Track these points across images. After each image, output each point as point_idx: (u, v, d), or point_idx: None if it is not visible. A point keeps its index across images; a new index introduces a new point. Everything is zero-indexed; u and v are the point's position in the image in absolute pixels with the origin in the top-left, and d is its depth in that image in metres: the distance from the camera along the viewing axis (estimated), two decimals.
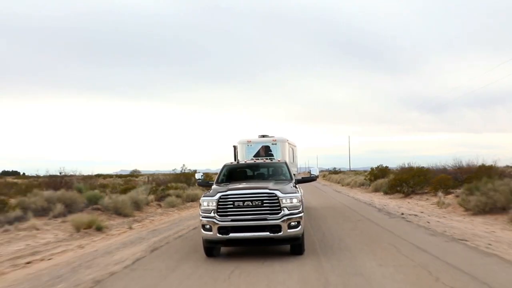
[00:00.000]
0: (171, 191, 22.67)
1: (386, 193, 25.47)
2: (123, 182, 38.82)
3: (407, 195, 22.53)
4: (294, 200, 7.60)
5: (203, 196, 8.00)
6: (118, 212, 15.76)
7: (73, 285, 6.29)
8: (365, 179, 34.21)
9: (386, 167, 32.65)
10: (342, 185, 44.36)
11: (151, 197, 20.57)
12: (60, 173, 28.93)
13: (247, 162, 10.74)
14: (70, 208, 14.72)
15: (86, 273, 6.97)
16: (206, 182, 10.09)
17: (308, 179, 9.95)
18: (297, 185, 9.10)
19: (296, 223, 7.52)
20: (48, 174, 23.47)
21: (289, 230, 7.42)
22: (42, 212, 14.06)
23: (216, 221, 7.50)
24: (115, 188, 23.92)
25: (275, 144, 13.90)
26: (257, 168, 10.39)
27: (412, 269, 6.48)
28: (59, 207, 14.01)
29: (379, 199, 22.37)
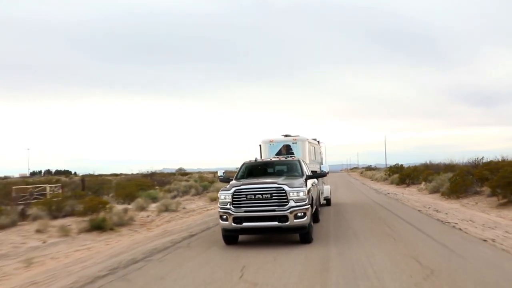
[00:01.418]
0: None
1: (397, 184, 35.01)
2: (198, 177, 50.62)
3: (408, 185, 32.10)
4: (301, 194, 8.42)
5: (221, 191, 8.98)
6: None
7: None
8: (385, 174, 43.68)
9: (401, 165, 41.96)
10: (372, 180, 53.65)
11: None
12: (148, 171, 41.03)
13: (264, 160, 11.83)
14: (197, 191, 25.92)
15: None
16: (227, 178, 10.71)
17: (318, 175, 11.26)
18: (317, 180, 11.39)
19: (302, 214, 8.34)
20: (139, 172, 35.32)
21: (295, 220, 8.25)
22: (183, 193, 25.30)
23: (231, 212, 8.46)
24: (205, 180, 35.43)
25: (296, 143, 14.54)
26: (272, 165, 11.27)
27: (368, 205, 16.70)
28: (193, 191, 25.21)
29: (387, 188, 32.05)
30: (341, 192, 27.33)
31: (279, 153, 14.20)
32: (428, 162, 40.68)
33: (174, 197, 23.05)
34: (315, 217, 10.88)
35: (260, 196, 8.39)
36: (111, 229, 12.09)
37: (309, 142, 14.98)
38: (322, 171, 11.39)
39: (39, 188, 22.99)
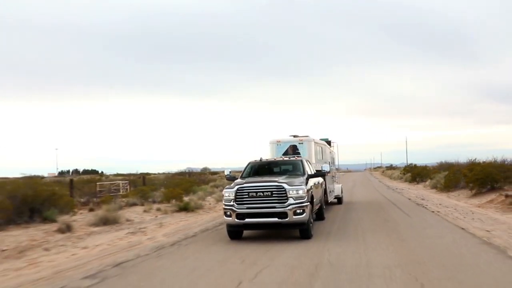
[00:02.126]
0: None
1: (409, 182, 39.66)
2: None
3: (418, 182, 36.77)
4: (300, 192, 8.97)
5: (225, 188, 9.58)
6: None
7: None
8: (400, 173, 48.27)
9: (415, 165, 46.47)
10: (390, 178, 58.09)
11: None
12: (185, 170, 46.93)
13: (268, 159, 12.06)
14: None
15: None
16: (233, 177, 11.06)
17: (319, 174, 11.55)
18: (322, 179, 12.63)
19: (301, 210, 8.88)
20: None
21: (294, 217, 8.81)
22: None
23: (235, 209, 9.07)
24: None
25: (302, 143, 14.76)
26: (276, 165, 11.69)
27: (374, 194, 21.83)
28: None
29: (399, 185, 36.79)
30: (357, 189, 32.34)
31: (285, 153, 14.55)
32: (443, 161, 45.06)
33: (221, 191, 28.64)
34: (320, 215, 12.18)
35: (261, 194, 8.97)
36: (192, 210, 17.73)
37: (316, 143, 15.31)
38: (323, 170, 11.89)
39: (115, 184, 29.15)
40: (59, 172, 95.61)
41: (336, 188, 18.21)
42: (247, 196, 9.06)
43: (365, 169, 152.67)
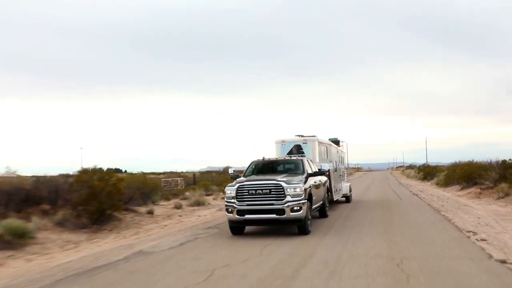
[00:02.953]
0: None
1: (422, 180, 45.09)
2: None
3: (428, 180, 42.21)
4: (297, 190, 9.49)
5: (227, 186, 10.18)
6: None
7: None
8: (415, 173, 53.63)
9: (428, 164, 51.72)
10: (407, 177, 63.27)
11: None
12: (220, 169, 53.07)
13: (270, 159, 12.41)
14: None
15: None
16: (236, 176, 11.45)
17: (318, 173, 11.91)
18: (326, 178, 13.40)
19: (298, 207, 9.39)
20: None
21: (291, 213, 9.34)
22: None
23: (235, 205, 9.64)
24: None
25: (306, 143, 14.94)
26: (277, 164, 12.18)
27: (385, 188, 27.78)
28: None
29: (411, 183, 42.27)
30: (373, 186, 38.04)
31: (290, 153, 14.75)
32: (457, 161, 50.26)
33: None
34: (323, 212, 12.84)
35: (261, 192, 9.44)
36: None
37: (320, 143, 15.54)
38: (322, 169, 12.19)
39: (174, 180, 36.00)
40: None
41: (344, 187, 18.90)
42: (247, 193, 9.58)
43: (387, 169, 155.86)
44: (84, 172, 12.87)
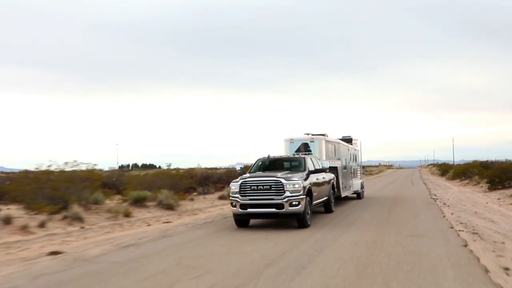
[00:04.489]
0: None
1: (440, 176, 54.79)
2: None
3: (444, 175, 51.93)
4: (296, 186, 10.12)
5: (232, 182, 10.83)
6: None
7: None
8: (437, 170, 63.18)
9: (447, 163, 61.12)
10: (431, 174, 72.47)
11: None
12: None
13: (275, 156, 13.00)
14: None
15: None
16: (243, 172, 12.08)
17: (320, 170, 12.41)
18: (331, 174, 14.05)
19: (297, 202, 10.05)
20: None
21: (290, 208, 9.99)
22: None
23: (239, 200, 10.32)
24: None
25: (313, 141, 15.30)
26: (281, 161, 12.80)
27: (406, 181, 38.26)
28: None
29: (431, 177, 51.74)
30: (396, 181, 47.82)
31: (298, 151, 15.12)
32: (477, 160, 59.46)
33: None
34: (328, 208, 13.48)
35: (262, 187, 10.19)
36: None
37: (327, 141, 15.88)
38: (323, 167, 12.76)
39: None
40: (119, 166, 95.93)
41: (355, 184, 19.53)
42: (249, 189, 10.24)
43: (418, 166, 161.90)
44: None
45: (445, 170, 53.09)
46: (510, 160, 33.33)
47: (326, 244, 8.07)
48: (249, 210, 10.27)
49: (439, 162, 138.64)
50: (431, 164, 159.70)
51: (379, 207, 15.62)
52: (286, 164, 12.58)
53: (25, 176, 13.60)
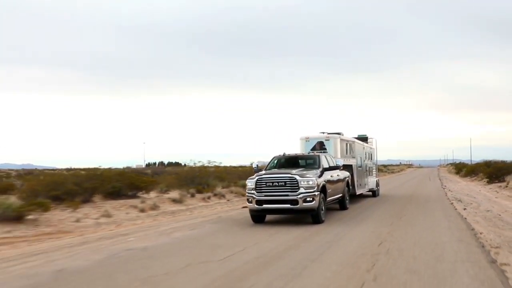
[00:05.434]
0: None
1: (456, 174, 61.25)
2: None
3: (459, 173, 58.46)
4: (310, 182, 10.42)
5: (248, 179, 11.16)
6: None
7: None
8: (453, 169, 69.56)
9: (463, 163, 67.41)
10: (449, 172, 78.56)
11: None
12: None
13: (290, 154, 13.34)
14: None
15: None
16: (259, 169, 12.30)
17: (334, 167, 12.56)
18: (346, 172, 14.40)
19: (311, 199, 10.32)
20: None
21: (304, 204, 10.27)
22: None
23: (255, 196, 10.63)
24: None
25: (328, 140, 15.50)
26: (296, 159, 13.07)
27: (424, 178, 45.20)
28: None
29: (447, 175, 58.23)
30: (413, 180, 54.36)
31: (313, 149, 15.42)
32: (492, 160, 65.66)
33: None
34: (342, 205, 13.98)
35: (277, 184, 10.51)
36: None
37: (342, 140, 16.10)
38: (337, 164, 12.93)
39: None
40: (146, 164, 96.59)
41: (371, 182, 19.77)
42: (265, 185, 10.60)
43: (438, 166, 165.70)
44: None
45: (460, 169, 59.49)
46: None
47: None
48: (265, 206, 10.60)
49: (457, 162, 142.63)
50: (450, 164, 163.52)
51: (404, 190, 22.86)
52: (301, 162, 12.90)
53: (177, 171, 21.50)
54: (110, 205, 13.38)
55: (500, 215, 11.71)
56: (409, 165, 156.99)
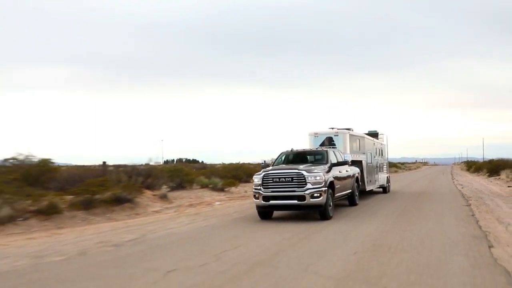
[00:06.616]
0: None
1: (467, 170, 69.39)
2: None
3: (469, 170, 66.67)
4: (317, 178, 10.31)
5: (255, 175, 11.04)
6: None
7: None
8: (465, 166, 77.73)
9: (474, 161, 75.51)
10: (461, 169, 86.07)
11: None
12: None
13: (298, 150, 13.31)
14: None
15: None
16: (266, 165, 12.33)
17: (342, 163, 12.58)
18: (356, 168, 14.45)
19: (318, 194, 10.18)
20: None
21: (311, 200, 10.14)
22: None
23: (261, 192, 10.54)
24: None
25: (337, 135, 15.38)
26: (304, 154, 13.05)
27: (437, 174, 53.71)
28: None
29: (459, 171, 65.83)
30: (426, 177, 62.19)
31: (322, 144, 15.28)
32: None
33: None
34: (352, 201, 13.81)
35: (284, 179, 10.38)
36: None
37: (351, 135, 15.98)
38: (345, 159, 12.98)
39: None
40: (164, 161, 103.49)
41: (381, 178, 19.80)
42: (271, 181, 10.47)
43: (452, 164, 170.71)
44: None
45: (470, 166, 67.70)
46: None
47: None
48: (272, 202, 10.49)
49: (470, 160, 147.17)
50: (463, 162, 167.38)
51: (422, 181, 31.74)
52: (310, 158, 12.85)
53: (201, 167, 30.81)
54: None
55: (481, 190, 20.68)
56: (425, 163, 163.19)
